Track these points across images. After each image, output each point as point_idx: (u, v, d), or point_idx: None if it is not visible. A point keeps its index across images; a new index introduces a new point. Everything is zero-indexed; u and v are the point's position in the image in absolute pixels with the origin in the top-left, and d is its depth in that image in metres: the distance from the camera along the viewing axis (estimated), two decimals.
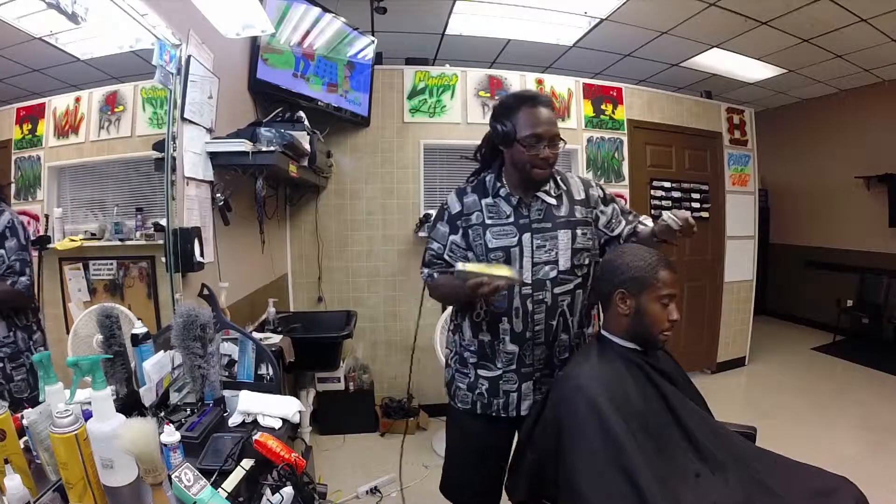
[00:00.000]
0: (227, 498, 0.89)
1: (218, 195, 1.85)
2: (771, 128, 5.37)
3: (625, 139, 3.59)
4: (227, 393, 1.31)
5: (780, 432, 2.84)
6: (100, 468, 0.87)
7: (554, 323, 1.34)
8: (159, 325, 1.48)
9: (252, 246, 2.42)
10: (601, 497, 1.02)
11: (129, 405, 1.13)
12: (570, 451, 1.10)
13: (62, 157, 1.21)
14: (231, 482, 0.94)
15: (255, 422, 1.23)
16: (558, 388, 1.22)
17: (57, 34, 1.11)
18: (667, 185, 3.78)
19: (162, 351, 1.25)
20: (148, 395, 1.16)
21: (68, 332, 1.23)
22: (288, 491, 0.97)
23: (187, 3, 1.56)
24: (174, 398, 1.25)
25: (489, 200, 1.37)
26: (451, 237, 1.38)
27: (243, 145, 1.73)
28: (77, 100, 1.23)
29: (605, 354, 1.23)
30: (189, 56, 1.59)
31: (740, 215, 4.10)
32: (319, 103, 2.70)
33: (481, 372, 1.40)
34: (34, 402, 0.96)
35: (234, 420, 1.23)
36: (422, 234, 3.13)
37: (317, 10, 2.55)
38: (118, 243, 1.37)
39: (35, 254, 1.12)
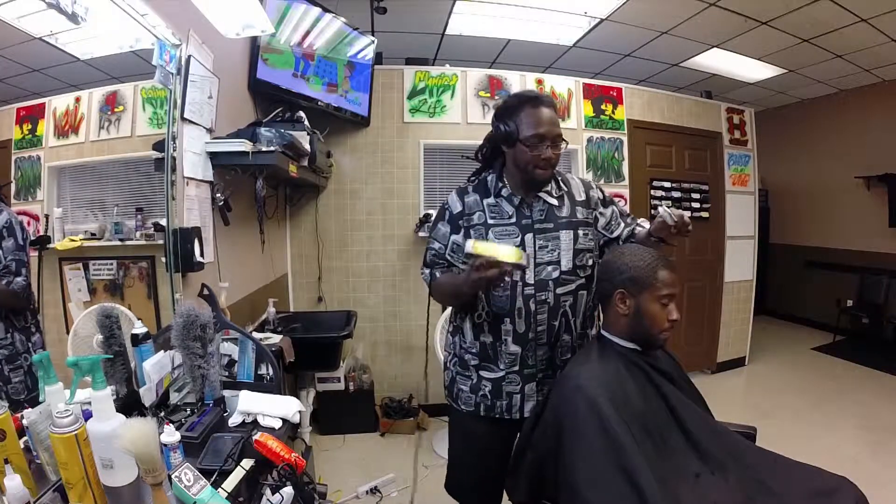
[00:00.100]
0: (227, 498, 0.89)
1: (218, 195, 1.85)
2: (771, 128, 5.37)
3: (625, 139, 3.59)
4: (227, 393, 1.31)
5: (780, 432, 2.84)
6: (100, 468, 0.87)
7: (556, 323, 1.34)
8: (159, 325, 1.48)
9: (252, 246, 2.42)
10: (601, 497, 1.02)
11: (129, 405, 1.13)
12: (570, 451, 1.10)
13: (62, 157, 1.21)
14: (231, 482, 0.94)
15: (255, 422, 1.23)
16: (558, 388, 1.22)
17: (57, 34, 1.11)
18: (667, 185, 3.78)
19: (162, 351, 1.25)
20: (148, 395, 1.16)
21: (68, 332, 1.23)
22: (288, 491, 0.97)
23: (187, 3, 1.56)
24: (174, 398, 1.25)
25: (491, 201, 1.36)
26: (453, 237, 1.38)
27: (243, 145, 1.73)
28: (77, 100, 1.23)
29: (605, 354, 1.23)
30: (189, 56, 1.59)
31: (740, 215, 4.10)
32: (319, 103, 2.70)
33: (483, 374, 1.39)
34: (32, 403, 0.96)
35: (234, 420, 1.23)
36: (422, 234, 3.13)
37: (317, 10, 2.55)
38: (118, 243, 1.37)
39: (35, 254, 1.12)
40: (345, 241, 3.23)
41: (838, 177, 5.10)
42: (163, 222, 1.49)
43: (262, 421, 1.22)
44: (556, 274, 1.32)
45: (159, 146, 1.49)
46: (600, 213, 1.43)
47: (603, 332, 1.30)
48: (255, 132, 1.80)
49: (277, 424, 1.22)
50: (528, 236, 1.32)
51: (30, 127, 1.12)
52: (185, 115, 1.59)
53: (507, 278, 1.22)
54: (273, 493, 0.98)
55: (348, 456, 2.77)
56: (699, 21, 3.40)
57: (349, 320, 2.54)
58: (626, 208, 1.55)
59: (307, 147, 2.18)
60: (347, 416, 3.00)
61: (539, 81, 3.41)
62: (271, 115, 2.34)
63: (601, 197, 1.45)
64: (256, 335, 1.82)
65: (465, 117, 3.27)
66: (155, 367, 1.18)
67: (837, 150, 5.14)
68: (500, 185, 1.37)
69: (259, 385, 1.40)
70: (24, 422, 0.90)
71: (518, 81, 3.37)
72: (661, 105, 3.77)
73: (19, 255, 1.03)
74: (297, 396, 2.33)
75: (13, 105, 1.09)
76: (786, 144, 5.61)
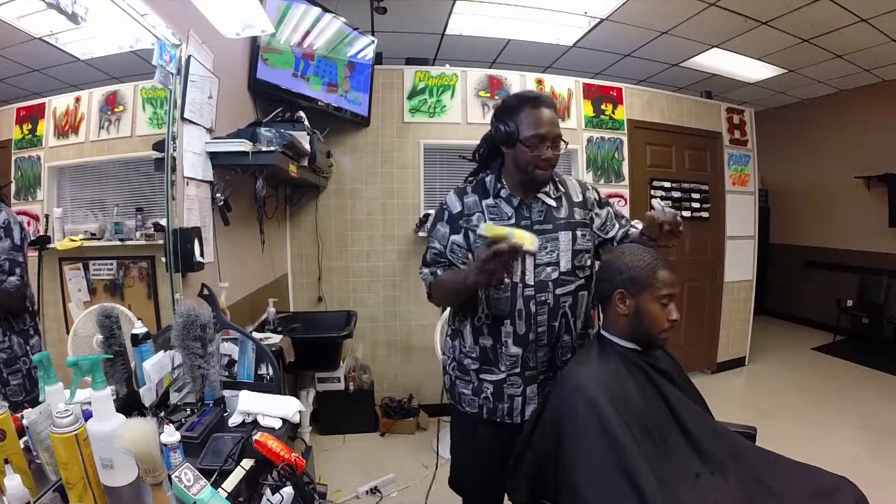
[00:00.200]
0: (227, 498, 0.89)
1: (218, 195, 1.85)
2: (771, 128, 5.37)
3: (625, 139, 3.59)
4: (227, 393, 1.31)
5: (780, 432, 2.84)
6: (100, 468, 0.87)
7: (556, 324, 1.34)
8: (159, 325, 1.48)
9: (252, 246, 2.42)
10: (601, 497, 1.02)
11: (129, 405, 1.13)
12: (570, 452, 1.10)
13: (62, 157, 1.21)
14: (231, 482, 0.94)
15: (255, 422, 1.23)
16: (558, 388, 1.22)
17: (57, 34, 1.11)
18: (667, 185, 3.78)
19: (162, 351, 1.25)
20: (148, 395, 1.16)
21: (68, 332, 1.23)
22: (288, 491, 0.97)
23: (187, 3, 1.56)
24: (174, 398, 1.25)
25: (490, 201, 1.36)
26: (452, 237, 1.38)
27: (243, 145, 1.73)
28: (77, 100, 1.23)
29: (604, 354, 1.23)
30: (189, 56, 1.59)
31: (740, 215, 4.10)
32: (319, 103, 2.70)
33: (484, 376, 1.39)
34: (31, 404, 0.96)
35: (234, 420, 1.23)
36: (422, 234, 3.13)
37: (317, 10, 2.55)
38: (118, 243, 1.37)
39: (35, 254, 1.12)
40: (345, 241, 3.23)
41: (838, 177, 5.10)
42: (163, 222, 1.49)
43: (262, 421, 1.22)
44: (555, 275, 1.32)
45: (159, 146, 1.49)
46: (596, 214, 1.44)
47: (603, 332, 1.30)
48: (255, 132, 1.80)
49: (277, 424, 1.22)
50: None
51: (30, 127, 1.12)
52: (185, 115, 1.59)
53: (507, 279, 1.22)
54: (273, 493, 0.98)
55: (348, 456, 2.77)
56: (699, 21, 3.40)
57: (349, 320, 2.54)
58: (626, 209, 1.55)
59: (307, 147, 2.18)
60: (347, 416, 3.00)
61: (539, 81, 3.41)
62: (271, 115, 2.34)
63: (597, 198, 1.46)
64: (256, 335, 1.82)
65: (465, 117, 3.27)
66: (155, 367, 1.18)
67: (837, 150, 5.14)
68: (499, 185, 1.37)
69: (259, 385, 1.40)
70: (24, 422, 0.90)
71: (518, 81, 3.37)
72: (661, 105, 3.77)
73: (14, 255, 1.03)
74: (297, 396, 2.33)
75: (13, 105, 1.09)
76: (786, 144, 5.61)
